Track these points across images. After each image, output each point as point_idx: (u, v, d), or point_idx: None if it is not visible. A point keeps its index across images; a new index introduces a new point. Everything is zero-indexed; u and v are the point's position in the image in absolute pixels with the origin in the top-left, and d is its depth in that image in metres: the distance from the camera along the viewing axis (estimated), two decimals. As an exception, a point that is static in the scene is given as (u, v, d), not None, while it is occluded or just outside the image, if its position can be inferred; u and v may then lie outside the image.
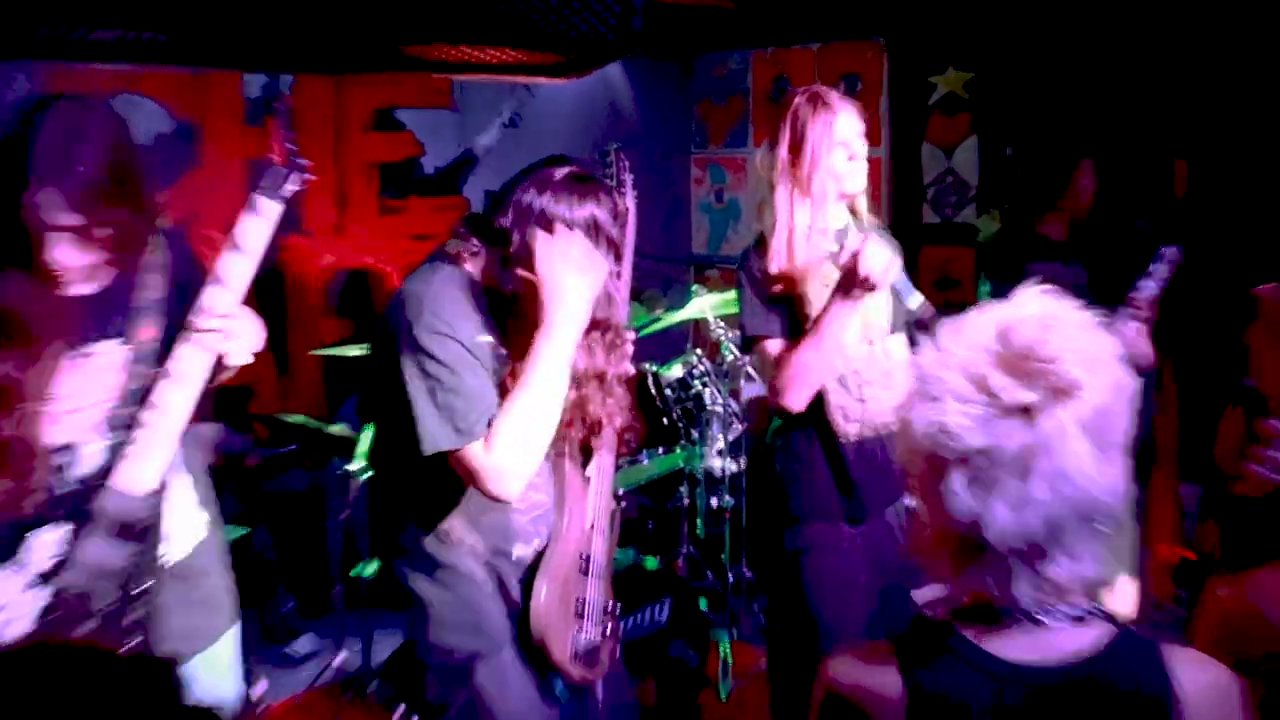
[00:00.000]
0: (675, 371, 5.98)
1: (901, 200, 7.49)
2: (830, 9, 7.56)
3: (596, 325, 2.95)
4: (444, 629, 3.00)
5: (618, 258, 3.01)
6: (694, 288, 6.37)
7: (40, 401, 2.74)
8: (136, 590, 2.77)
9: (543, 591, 3.04)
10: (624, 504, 4.60)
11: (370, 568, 5.12)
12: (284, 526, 6.14)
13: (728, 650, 5.36)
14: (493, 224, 2.90)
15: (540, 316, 2.82)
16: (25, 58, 4.96)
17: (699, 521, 6.04)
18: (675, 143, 8.56)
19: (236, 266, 2.78)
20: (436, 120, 7.39)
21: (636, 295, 6.00)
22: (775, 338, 3.66)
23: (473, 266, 2.93)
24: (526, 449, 2.80)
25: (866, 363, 3.76)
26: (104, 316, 2.84)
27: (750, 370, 6.01)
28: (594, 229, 2.88)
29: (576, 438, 3.09)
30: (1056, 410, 1.62)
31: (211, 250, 2.90)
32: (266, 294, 6.54)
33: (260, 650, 5.62)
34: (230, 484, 5.89)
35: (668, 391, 5.93)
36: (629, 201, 3.40)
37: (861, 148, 3.72)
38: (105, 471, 2.78)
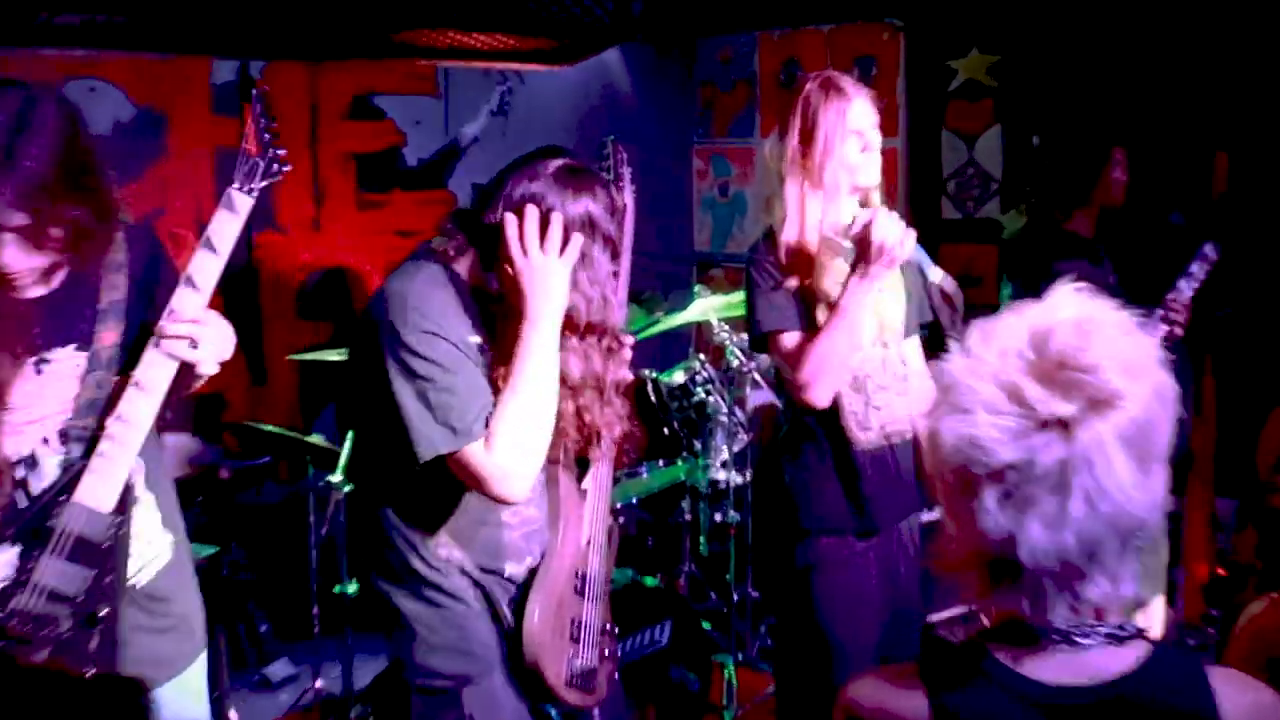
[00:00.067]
0: (676, 378, 6.01)
1: (919, 194, 7.49)
2: (843, -13, 7.57)
3: (592, 329, 2.97)
4: (430, 651, 3.02)
5: (615, 256, 3.02)
6: (696, 288, 6.37)
7: None
8: (95, 616, 2.76)
9: (536, 612, 3.06)
10: (622, 519, 4.63)
11: (351, 586, 5.13)
12: (258, 543, 6.15)
13: (732, 674, 5.38)
14: (481, 220, 2.92)
15: (521, 304, 2.85)
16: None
17: (702, 538, 6.06)
18: (676, 132, 8.54)
19: (206, 267, 2.77)
20: (419, 108, 7.39)
21: (635, 297, 6.03)
22: (793, 330, 3.69)
23: (460, 265, 2.96)
24: (528, 447, 2.83)
25: (880, 366, 3.80)
26: (60, 321, 2.83)
27: (756, 376, 6.03)
28: (590, 225, 2.90)
29: (572, 448, 3.10)
30: (1095, 422, 1.62)
31: (179, 247, 2.90)
32: (238, 295, 6.55)
33: (234, 675, 5.62)
34: (200, 498, 5.90)
35: (669, 399, 5.95)
36: (627, 197, 3.43)
37: (876, 138, 3.76)
38: (62, 487, 2.77)
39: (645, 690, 5.00)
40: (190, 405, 6.08)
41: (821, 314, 3.68)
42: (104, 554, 2.77)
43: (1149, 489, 1.65)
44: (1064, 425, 1.62)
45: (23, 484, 2.77)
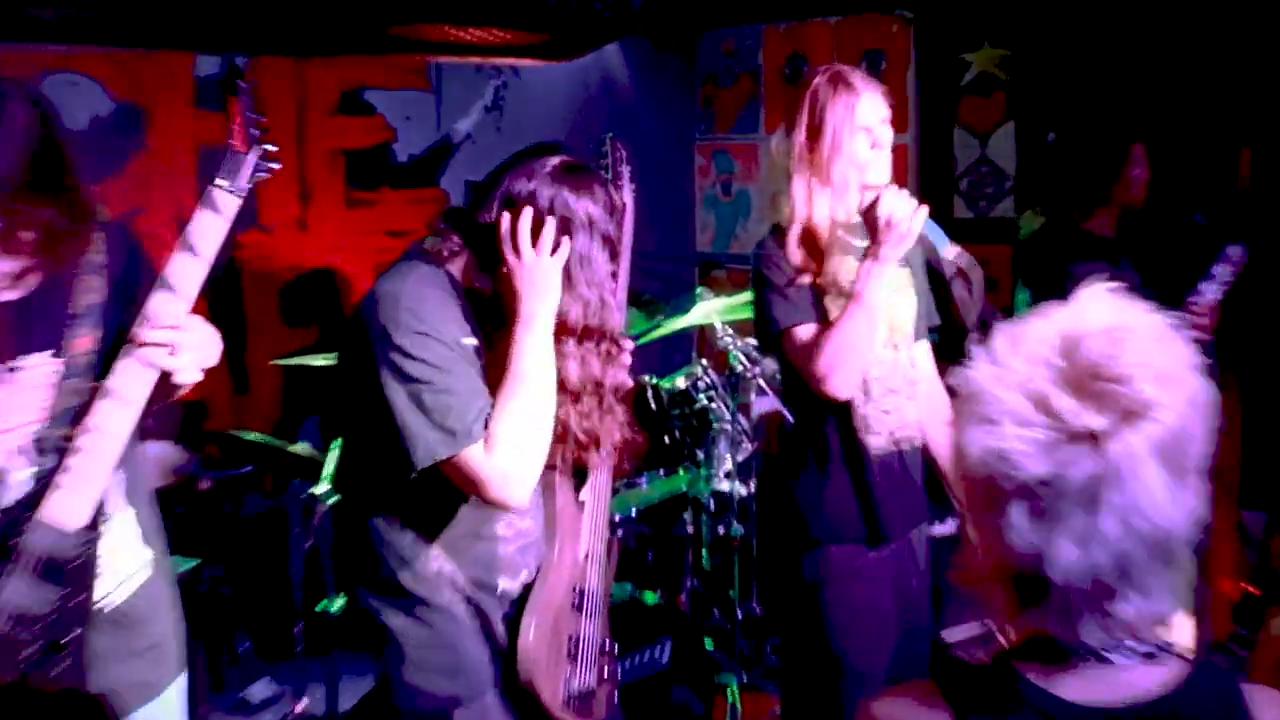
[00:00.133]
0: (678, 384, 6.00)
1: (931, 192, 7.48)
2: (851, -23, 7.58)
3: (591, 333, 2.98)
4: (420, 670, 3.01)
5: (614, 257, 3.03)
6: (699, 291, 6.39)
7: None
8: (63, 639, 2.73)
9: (531, 629, 3.06)
10: (620, 532, 4.63)
11: (336, 603, 5.13)
12: (239, 557, 6.15)
13: (736, 696, 5.37)
14: (476, 220, 2.92)
15: (516, 303, 2.86)
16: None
17: (704, 552, 6.06)
18: (677, 128, 8.56)
19: (188, 270, 2.75)
20: (411, 102, 7.41)
21: (635, 299, 6.03)
22: (808, 323, 3.70)
23: (454, 266, 2.97)
24: (529, 449, 2.84)
25: (890, 370, 3.82)
26: (32, 326, 2.81)
27: (761, 383, 6.03)
28: (588, 225, 2.91)
29: (570, 457, 3.10)
30: (1128, 434, 1.60)
31: (159, 248, 2.89)
32: (220, 297, 6.56)
33: (212, 696, 5.62)
34: (179, 509, 5.90)
35: (669, 406, 5.94)
36: (626, 196, 3.44)
37: (886, 135, 3.77)
38: (31, 502, 2.74)
39: (645, 713, 5.00)
40: (176, 412, 6.07)
41: (834, 312, 3.69)
42: (72, 573, 2.74)
43: (1184, 503, 1.64)
44: (1095, 438, 1.60)
45: None
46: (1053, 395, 1.63)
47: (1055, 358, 1.66)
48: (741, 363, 5.95)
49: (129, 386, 2.72)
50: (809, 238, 3.73)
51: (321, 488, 5.11)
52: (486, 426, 2.79)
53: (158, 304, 2.72)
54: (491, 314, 2.93)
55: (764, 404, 6.14)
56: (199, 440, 6.36)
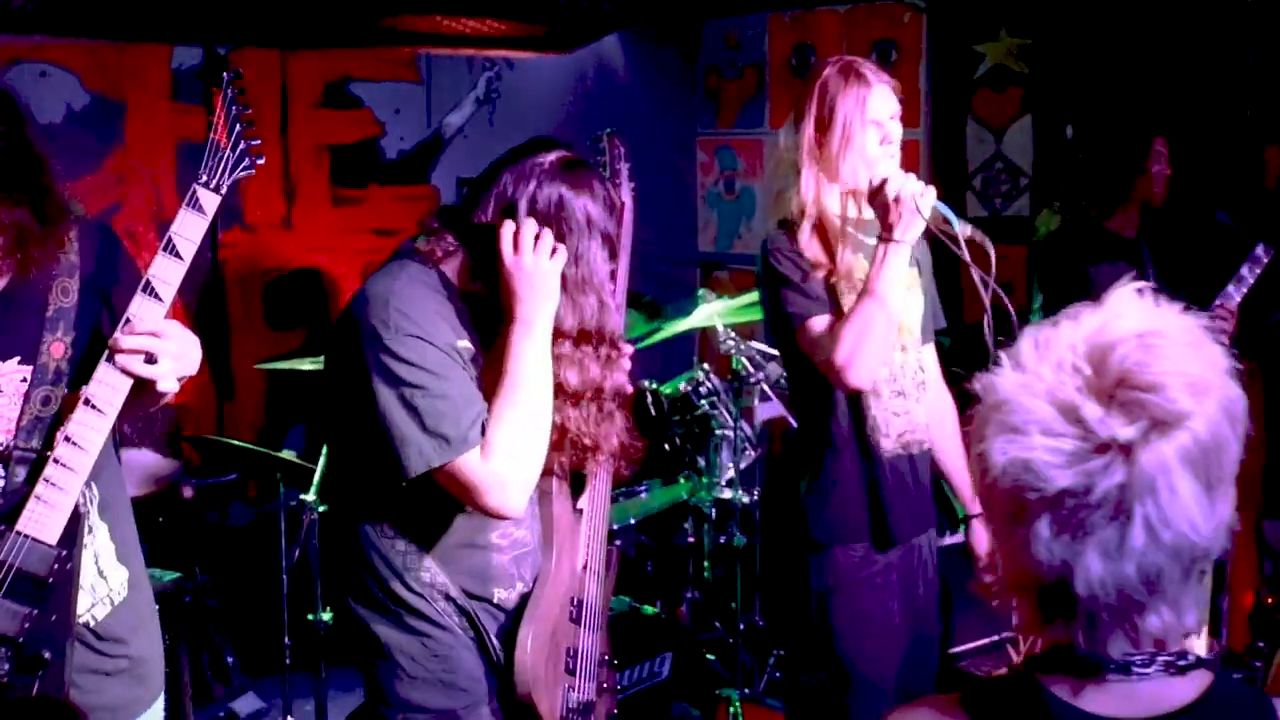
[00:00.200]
0: (678, 389, 6.02)
1: (943, 190, 7.49)
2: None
3: (589, 336, 3.01)
4: (412, 683, 3.04)
5: (613, 256, 3.05)
6: (700, 292, 6.39)
7: None
8: (38, 658, 2.73)
9: (528, 642, 3.08)
10: (619, 542, 4.65)
11: (325, 615, 5.15)
12: (225, 567, 6.17)
13: (738, 710, 5.40)
14: (471, 219, 2.95)
15: (514, 306, 2.88)
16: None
17: (705, 563, 6.08)
18: (678, 122, 8.55)
19: (168, 273, 2.74)
20: (399, 95, 7.44)
21: (634, 301, 6.05)
22: (824, 315, 3.74)
23: (447, 266, 2.99)
24: (527, 455, 2.87)
25: (899, 371, 3.87)
26: (2, 332, 2.82)
27: (765, 388, 6.05)
28: (587, 224, 2.94)
29: (567, 464, 3.13)
30: (1158, 444, 1.60)
31: (137, 245, 2.88)
32: (202, 299, 6.58)
33: (197, 710, 5.64)
34: (162, 518, 5.91)
35: (670, 412, 5.97)
36: (625, 194, 3.47)
37: (897, 130, 3.82)
38: (2, 515, 2.74)
39: (645, 727, 5.02)
40: (164, 419, 6.08)
41: (849, 306, 3.72)
42: (48, 590, 2.73)
43: (1214, 514, 1.64)
44: (1124, 448, 1.60)
45: None
46: (1081, 404, 1.63)
47: (1084, 365, 1.66)
48: (745, 367, 5.97)
49: (106, 395, 2.70)
50: (820, 233, 3.77)
51: (309, 496, 5.13)
52: (483, 433, 2.82)
53: (137, 309, 2.71)
54: (486, 316, 2.96)
55: (768, 410, 6.17)
56: (181, 447, 6.38)
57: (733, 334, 6.00)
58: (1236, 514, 1.67)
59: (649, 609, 5.37)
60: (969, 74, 7.37)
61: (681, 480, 5.95)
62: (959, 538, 4.57)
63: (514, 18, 5.40)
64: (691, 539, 6.05)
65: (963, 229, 3.69)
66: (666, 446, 5.95)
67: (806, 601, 3.89)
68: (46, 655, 2.73)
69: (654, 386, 6.04)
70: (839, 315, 3.72)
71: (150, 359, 2.70)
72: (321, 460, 5.09)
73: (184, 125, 6.48)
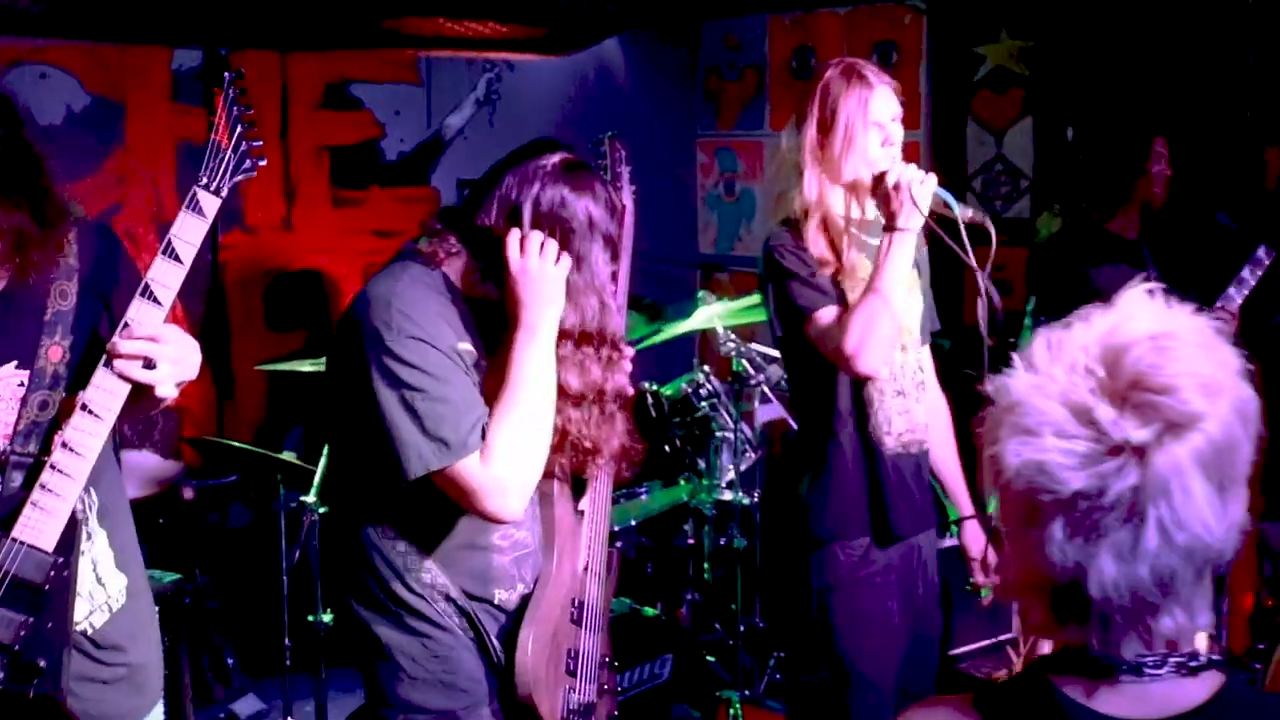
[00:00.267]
0: (678, 391, 6.03)
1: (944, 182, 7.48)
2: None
3: (590, 338, 3.02)
4: (413, 684, 3.06)
5: (614, 258, 3.06)
6: (700, 294, 6.41)
7: None
8: (33, 666, 2.71)
9: (529, 643, 3.09)
10: (620, 544, 4.66)
11: (325, 616, 5.16)
12: (225, 569, 6.18)
13: (738, 712, 5.42)
14: (473, 221, 2.96)
15: (519, 311, 2.89)
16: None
17: (705, 564, 6.09)
18: (678, 124, 8.55)
19: (167, 276, 2.71)
20: (400, 97, 7.45)
21: (634, 303, 6.06)
22: (832, 306, 3.75)
23: (450, 268, 3.00)
24: (528, 460, 2.89)
25: (899, 371, 3.89)
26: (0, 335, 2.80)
27: (765, 390, 6.06)
28: (589, 226, 2.95)
29: (568, 465, 3.14)
30: (1172, 447, 1.60)
31: (137, 246, 2.86)
32: (203, 301, 6.58)
33: (197, 711, 5.65)
34: (162, 520, 5.91)
35: (670, 414, 5.97)
36: (626, 198, 3.48)
37: (898, 132, 3.84)
38: (1, 522, 2.71)
39: (645, 728, 5.03)
40: (165, 421, 6.09)
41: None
42: (44, 598, 2.72)
43: (1227, 516, 1.64)
44: (1138, 450, 1.61)
45: None
46: (1095, 406, 1.63)
47: (1097, 367, 1.66)
48: (745, 369, 5.97)
49: (104, 401, 2.68)
50: (825, 231, 3.79)
51: (310, 497, 5.14)
52: (484, 436, 2.83)
53: (135, 313, 2.69)
54: (489, 318, 2.97)
55: (768, 411, 6.17)
56: (181, 448, 6.39)
57: (733, 336, 6.01)
58: (1248, 515, 1.67)
59: (649, 611, 5.38)
60: (969, 76, 7.38)
61: (682, 482, 5.96)
62: (956, 542, 4.59)
63: (515, 20, 5.40)
64: (692, 541, 6.05)
65: (963, 212, 3.72)
66: (667, 448, 5.96)
67: (807, 600, 3.92)
68: (42, 664, 2.71)
69: (654, 388, 6.05)
70: (846, 309, 3.74)
71: (149, 364, 2.68)
72: (322, 461, 5.10)
73: (184, 126, 6.50)
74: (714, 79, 8.47)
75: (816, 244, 3.78)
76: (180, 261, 2.71)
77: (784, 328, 3.88)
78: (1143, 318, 1.70)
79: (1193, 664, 1.72)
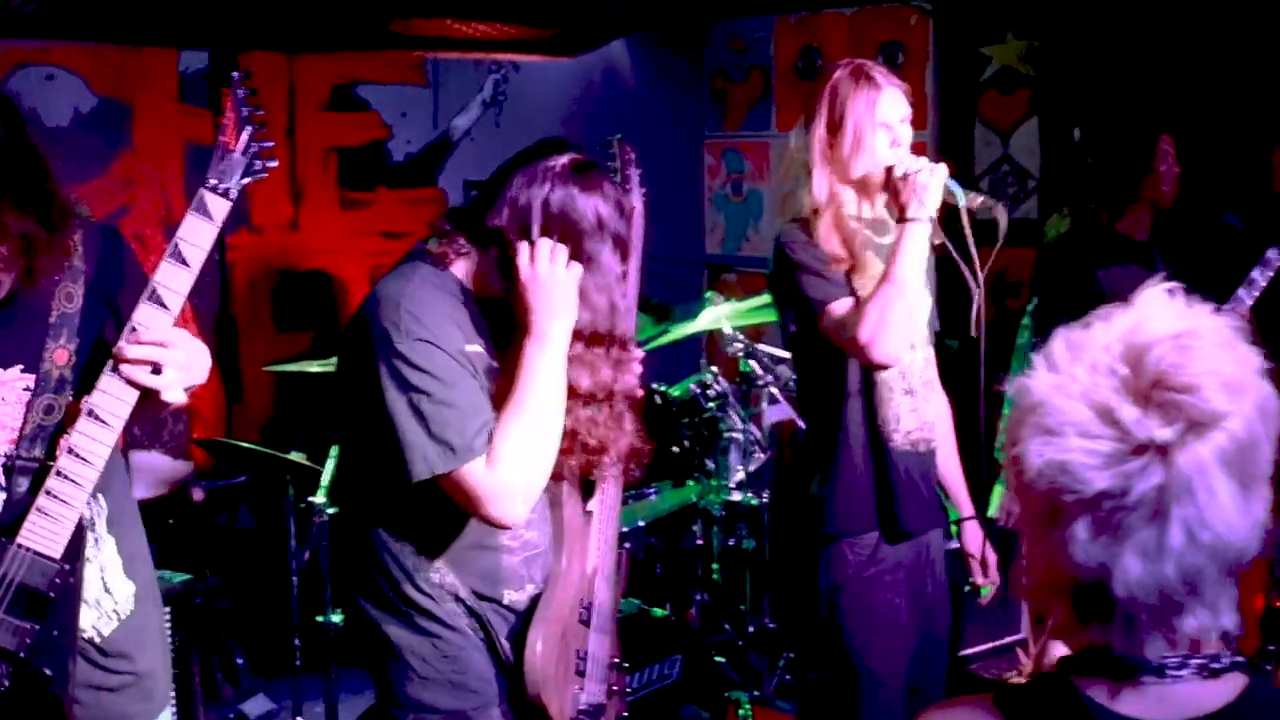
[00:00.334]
0: (686, 392, 6.03)
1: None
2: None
3: (600, 338, 3.02)
4: (423, 684, 3.06)
5: (624, 257, 3.06)
6: (708, 295, 6.41)
7: None
8: (40, 675, 2.69)
9: (538, 643, 3.10)
10: (628, 545, 4.67)
11: (335, 616, 5.17)
12: (234, 569, 6.18)
13: (748, 712, 5.42)
14: (483, 222, 2.97)
15: (529, 319, 2.89)
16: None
17: (714, 565, 6.09)
18: (685, 125, 8.56)
19: (174, 280, 2.68)
20: (407, 98, 7.47)
21: (642, 304, 6.05)
22: (845, 298, 3.77)
23: (459, 269, 3.01)
24: (533, 467, 2.89)
25: (907, 369, 3.89)
26: (4, 339, 2.77)
27: (774, 390, 6.06)
28: (598, 226, 2.95)
29: (577, 467, 3.14)
30: (1195, 445, 1.60)
31: (145, 249, 2.84)
32: (210, 302, 6.59)
33: (207, 711, 5.64)
34: (172, 520, 5.92)
35: (678, 415, 5.98)
36: (636, 200, 3.48)
37: (906, 133, 3.85)
38: (3, 529, 2.69)
39: (654, 729, 5.03)
40: (175, 422, 6.09)
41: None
42: (50, 605, 2.70)
43: (1250, 514, 1.63)
44: (1162, 449, 1.61)
45: None
46: (1118, 405, 1.63)
47: (1120, 366, 1.66)
48: (753, 369, 5.98)
49: (111, 406, 2.66)
50: (836, 231, 3.80)
51: (319, 498, 5.14)
52: (490, 441, 2.83)
53: (143, 317, 2.66)
54: (499, 318, 2.98)
55: (776, 412, 6.18)
56: (190, 449, 6.40)
57: (740, 336, 6.02)
58: (1271, 514, 1.67)
59: (658, 611, 5.38)
60: (976, 76, 7.38)
61: (690, 483, 5.96)
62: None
63: (522, 21, 5.40)
64: (700, 541, 6.06)
65: (971, 200, 3.74)
66: (675, 449, 5.96)
67: (816, 599, 3.93)
68: (48, 672, 2.70)
69: (662, 389, 6.05)
70: (859, 301, 3.75)
71: (156, 369, 2.66)
72: (330, 462, 5.10)
73: (191, 128, 6.51)
74: (720, 80, 8.47)
75: (829, 242, 3.80)
76: (187, 265, 2.68)
77: (797, 322, 3.89)
78: (1163, 317, 1.70)
79: (1215, 665, 1.72)
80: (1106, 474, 1.61)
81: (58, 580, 2.70)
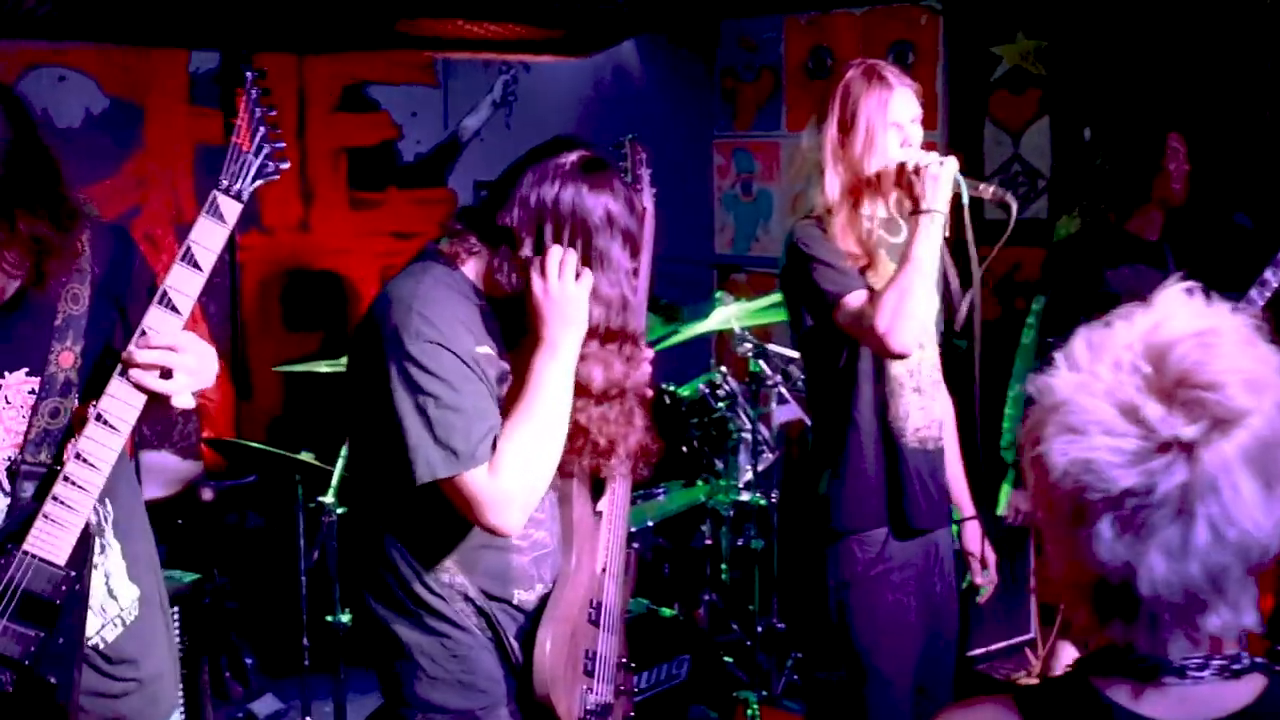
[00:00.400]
0: (695, 392, 6.03)
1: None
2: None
3: (613, 335, 3.02)
4: (432, 684, 3.06)
5: (635, 254, 3.06)
6: (717, 295, 6.41)
7: None
8: (45, 683, 2.67)
9: (548, 642, 3.10)
10: (637, 545, 4.67)
11: (344, 616, 5.17)
12: (243, 569, 6.19)
13: (756, 712, 5.42)
14: (494, 220, 2.97)
15: (541, 329, 2.90)
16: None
17: (723, 565, 6.09)
18: (694, 124, 8.56)
19: (186, 284, 2.66)
20: (417, 98, 7.46)
21: (652, 304, 6.06)
22: (860, 290, 3.77)
23: (470, 268, 3.01)
24: (534, 476, 2.89)
25: (916, 367, 3.91)
26: (9, 341, 2.75)
27: (783, 390, 6.06)
28: (608, 222, 2.95)
29: (587, 465, 3.14)
30: (1219, 443, 1.61)
31: (155, 249, 2.82)
32: (220, 302, 6.59)
33: (216, 711, 5.65)
34: (181, 520, 5.92)
35: (687, 415, 5.98)
36: (647, 200, 3.49)
37: (917, 134, 3.87)
38: (9, 534, 2.68)
39: (663, 729, 5.03)
40: (186, 422, 6.09)
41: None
42: (56, 613, 2.67)
43: (1274, 512, 1.64)
44: (1186, 447, 1.62)
45: None
46: (1142, 403, 1.64)
47: (1143, 364, 1.67)
48: (763, 369, 5.98)
49: (119, 410, 2.64)
50: (850, 228, 3.80)
51: (328, 498, 5.14)
52: (494, 448, 2.84)
53: (154, 321, 2.65)
54: (510, 317, 2.98)
55: (785, 412, 6.18)
56: (200, 449, 6.41)
57: (750, 336, 6.02)
58: None
59: (667, 611, 5.38)
60: (986, 76, 7.37)
61: (699, 483, 5.96)
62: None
63: (531, 22, 5.40)
64: (709, 541, 6.06)
65: (983, 189, 3.78)
66: (684, 449, 5.96)
67: (824, 597, 3.93)
68: (53, 680, 2.68)
69: (671, 389, 6.05)
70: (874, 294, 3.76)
71: (166, 374, 2.65)
72: (340, 462, 5.11)
73: (202, 129, 6.52)
74: (730, 80, 8.48)
75: (844, 239, 3.81)
76: (199, 268, 2.66)
77: (812, 316, 3.89)
78: (1184, 316, 1.71)
79: (1235, 667, 1.73)
80: (1132, 472, 1.62)
81: (64, 587, 2.68)
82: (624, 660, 3.44)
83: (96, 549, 2.81)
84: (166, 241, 6.19)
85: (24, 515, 2.67)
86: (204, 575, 5.46)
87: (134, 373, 2.63)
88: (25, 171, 2.63)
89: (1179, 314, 1.72)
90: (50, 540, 2.66)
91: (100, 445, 2.65)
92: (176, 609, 4.67)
